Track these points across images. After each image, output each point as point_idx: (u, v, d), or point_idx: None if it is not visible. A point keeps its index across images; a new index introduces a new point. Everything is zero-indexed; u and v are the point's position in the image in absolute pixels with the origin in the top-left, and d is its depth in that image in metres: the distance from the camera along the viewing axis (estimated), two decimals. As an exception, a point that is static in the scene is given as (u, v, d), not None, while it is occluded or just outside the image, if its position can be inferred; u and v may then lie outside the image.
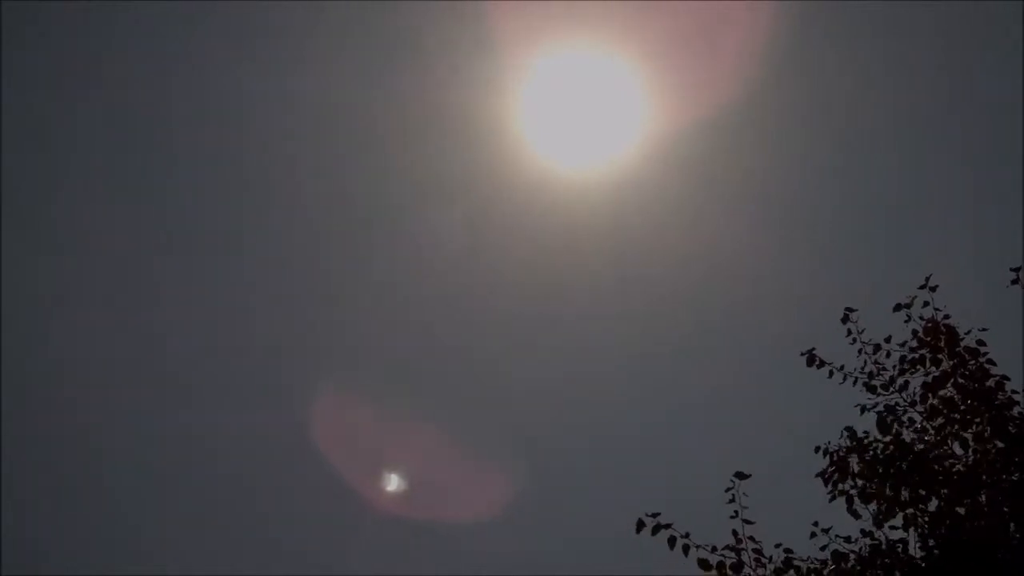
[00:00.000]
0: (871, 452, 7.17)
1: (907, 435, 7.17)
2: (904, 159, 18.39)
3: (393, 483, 14.72)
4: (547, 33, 17.46)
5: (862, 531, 7.00)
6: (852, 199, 19.05)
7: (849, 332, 7.55)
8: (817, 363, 7.56)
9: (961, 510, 6.73)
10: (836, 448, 7.32)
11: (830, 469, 7.29)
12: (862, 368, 7.50)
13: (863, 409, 7.40)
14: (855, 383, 7.48)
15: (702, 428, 17.84)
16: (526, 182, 18.72)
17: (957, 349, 7.19)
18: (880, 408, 7.31)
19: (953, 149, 17.97)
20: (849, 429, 7.32)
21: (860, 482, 7.15)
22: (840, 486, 7.25)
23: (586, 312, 19.76)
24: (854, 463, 7.22)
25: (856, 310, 7.59)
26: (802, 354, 7.61)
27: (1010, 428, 6.80)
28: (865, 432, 7.30)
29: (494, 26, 17.31)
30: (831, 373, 7.54)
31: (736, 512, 6.69)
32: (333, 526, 17.69)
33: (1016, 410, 6.88)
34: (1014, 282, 7.14)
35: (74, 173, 19.10)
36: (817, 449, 7.41)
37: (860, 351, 7.53)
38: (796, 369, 7.68)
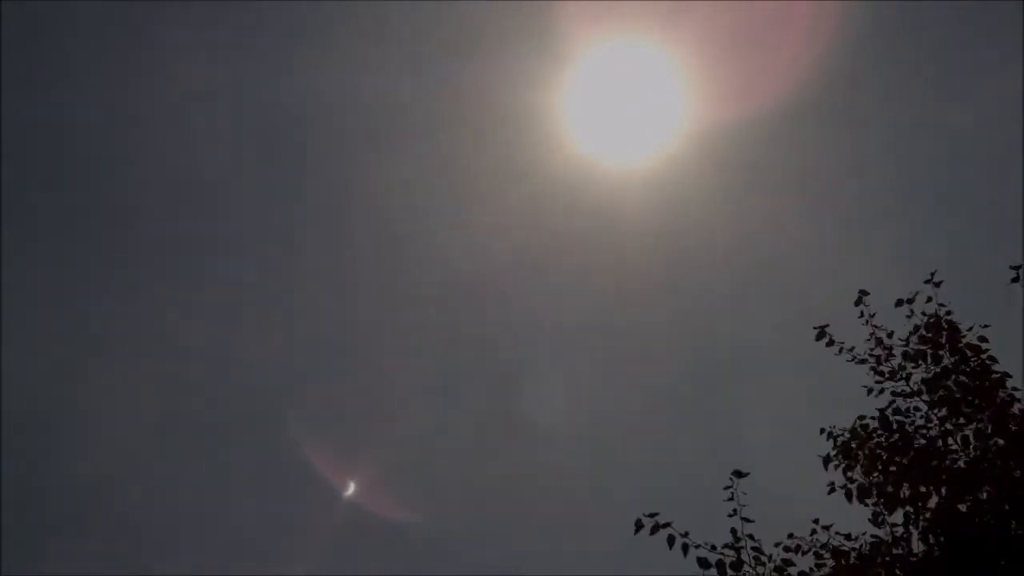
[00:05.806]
0: (875, 441, 7.21)
1: (910, 426, 7.18)
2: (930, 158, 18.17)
3: (350, 488, 17.85)
4: (604, 31, 17.41)
5: (870, 520, 7.03)
6: (894, 196, 18.81)
7: (862, 314, 7.58)
8: (828, 340, 7.60)
9: (962, 507, 6.73)
10: (840, 432, 7.38)
11: (834, 453, 7.36)
12: (871, 351, 7.54)
13: (869, 391, 7.43)
14: (864, 364, 7.51)
15: (734, 422, 17.79)
16: (575, 178, 18.74)
17: (959, 345, 7.18)
18: (886, 394, 7.33)
19: (970, 146, 17.69)
20: (862, 418, 7.34)
21: (862, 471, 7.20)
22: (848, 474, 7.29)
23: (634, 312, 19.68)
24: (860, 450, 7.26)
25: (869, 293, 7.61)
26: (815, 328, 7.64)
27: (1011, 425, 6.79)
28: (870, 418, 7.34)
29: (556, 26, 17.32)
30: (840, 350, 7.57)
31: (735, 511, 6.75)
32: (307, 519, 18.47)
33: (1017, 407, 6.86)
34: (1015, 280, 7.09)
35: (76, 172, 19.42)
36: (822, 431, 7.49)
37: (872, 333, 7.57)
38: (829, 363, 7.72)
